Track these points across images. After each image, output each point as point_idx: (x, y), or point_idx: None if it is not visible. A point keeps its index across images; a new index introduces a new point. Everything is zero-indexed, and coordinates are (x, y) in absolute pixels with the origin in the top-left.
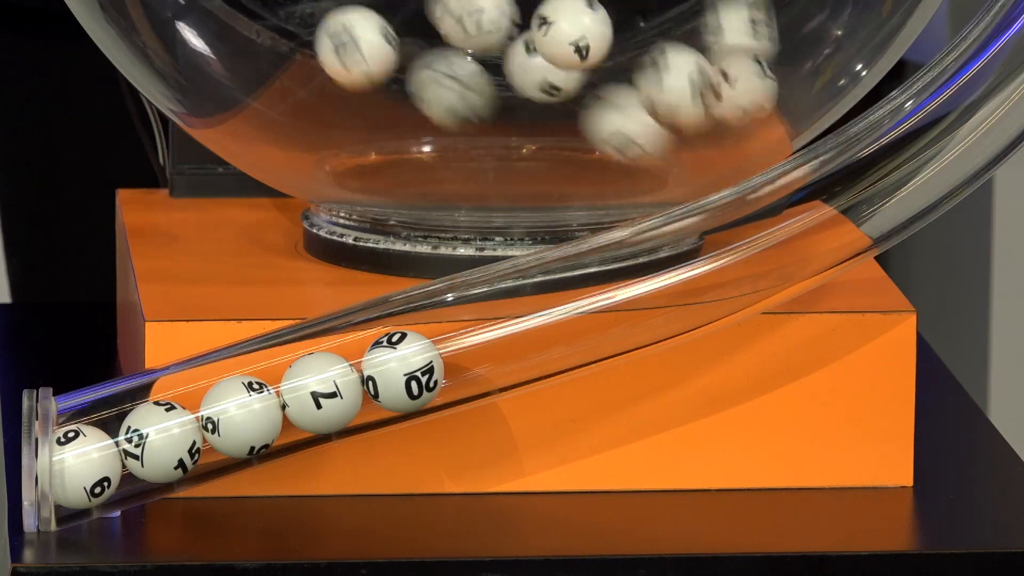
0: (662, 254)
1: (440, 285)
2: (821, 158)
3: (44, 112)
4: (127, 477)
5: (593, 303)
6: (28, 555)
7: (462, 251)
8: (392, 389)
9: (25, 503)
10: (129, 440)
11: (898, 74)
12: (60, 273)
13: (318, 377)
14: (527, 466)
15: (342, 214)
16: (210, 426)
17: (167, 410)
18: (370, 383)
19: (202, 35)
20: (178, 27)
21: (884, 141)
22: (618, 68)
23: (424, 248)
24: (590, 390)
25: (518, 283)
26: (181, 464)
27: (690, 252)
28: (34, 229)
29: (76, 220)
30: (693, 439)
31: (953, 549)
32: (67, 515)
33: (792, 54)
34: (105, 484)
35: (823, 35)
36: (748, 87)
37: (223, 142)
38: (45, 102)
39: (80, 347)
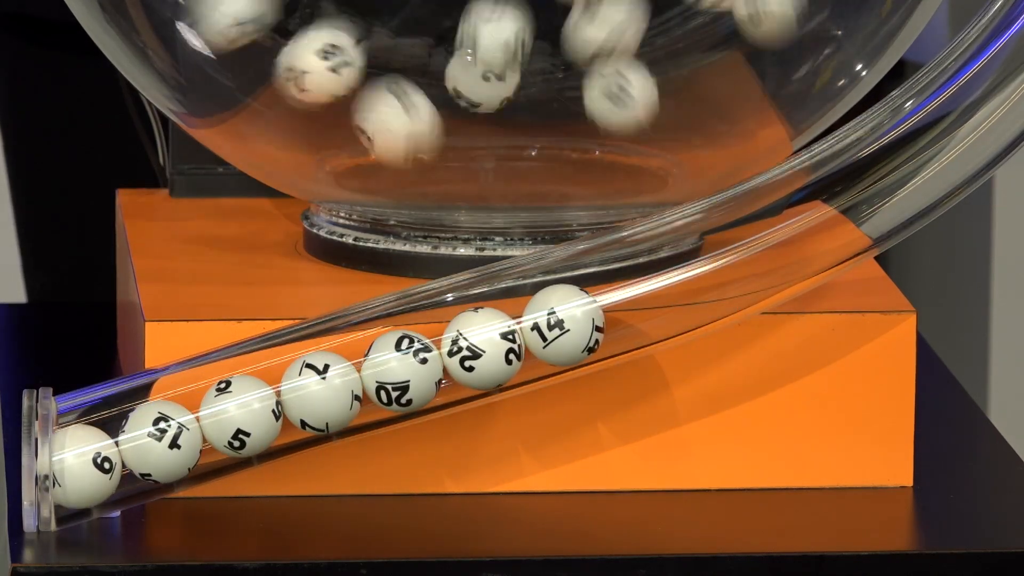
0: (662, 254)
1: (440, 285)
2: (821, 158)
3: (44, 112)
4: (127, 477)
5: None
6: (28, 555)
7: (462, 251)
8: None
9: (25, 503)
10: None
11: (898, 74)
12: (60, 273)
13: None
14: (527, 466)
15: (342, 214)
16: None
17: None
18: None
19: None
20: (178, 27)
21: (884, 141)
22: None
23: (424, 248)
24: (590, 390)
25: (518, 283)
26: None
27: (690, 252)
28: (34, 229)
29: (76, 220)
30: (693, 439)
31: (953, 549)
32: (67, 515)
33: (792, 54)
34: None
35: (823, 35)
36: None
37: (223, 142)
38: (45, 102)
39: (80, 347)
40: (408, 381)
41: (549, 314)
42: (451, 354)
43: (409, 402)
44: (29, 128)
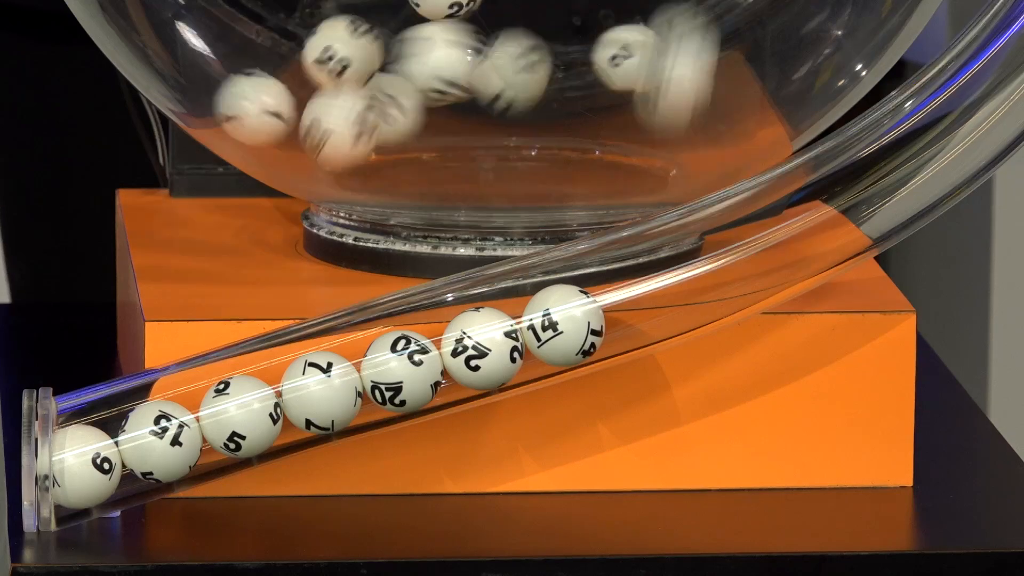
0: (662, 254)
1: (440, 285)
2: (821, 158)
3: (45, 112)
4: (127, 476)
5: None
6: (28, 555)
7: (462, 251)
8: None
9: (25, 503)
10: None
11: (898, 74)
12: (60, 273)
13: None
14: (527, 466)
15: (342, 214)
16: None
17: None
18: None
19: (202, 35)
20: (178, 27)
21: (884, 141)
22: None
23: (424, 248)
24: (590, 390)
25: (518, 283)
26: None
27: (690, 252)
28: (34, 229)
29: (76, 220)
30: (693, 439)
31: (953, 549)
32: (67, 515)
33: (792, 54)
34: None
35: (823, 35)
36: None
37: (223, 142)
38: (45, 102)
39: (80, 347)
40: (401, 382)
41: (544, 315)
42: (456, 354)
43: (403, 403)
44: (28, 128)
